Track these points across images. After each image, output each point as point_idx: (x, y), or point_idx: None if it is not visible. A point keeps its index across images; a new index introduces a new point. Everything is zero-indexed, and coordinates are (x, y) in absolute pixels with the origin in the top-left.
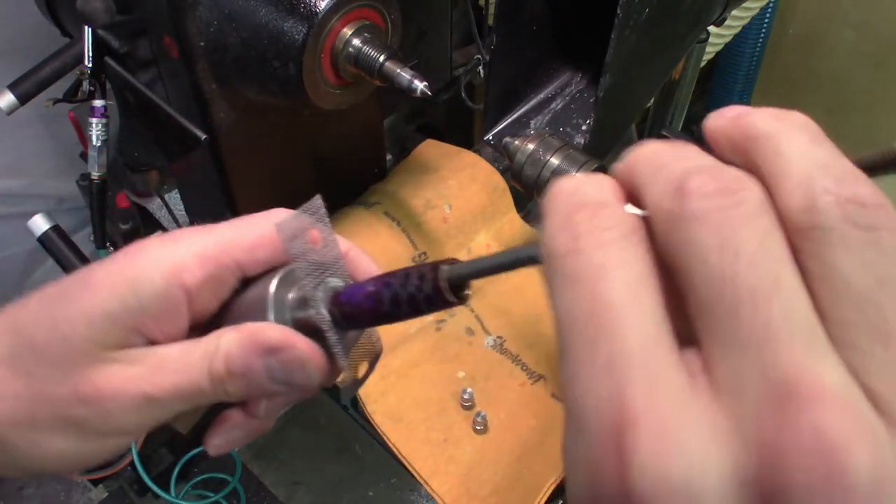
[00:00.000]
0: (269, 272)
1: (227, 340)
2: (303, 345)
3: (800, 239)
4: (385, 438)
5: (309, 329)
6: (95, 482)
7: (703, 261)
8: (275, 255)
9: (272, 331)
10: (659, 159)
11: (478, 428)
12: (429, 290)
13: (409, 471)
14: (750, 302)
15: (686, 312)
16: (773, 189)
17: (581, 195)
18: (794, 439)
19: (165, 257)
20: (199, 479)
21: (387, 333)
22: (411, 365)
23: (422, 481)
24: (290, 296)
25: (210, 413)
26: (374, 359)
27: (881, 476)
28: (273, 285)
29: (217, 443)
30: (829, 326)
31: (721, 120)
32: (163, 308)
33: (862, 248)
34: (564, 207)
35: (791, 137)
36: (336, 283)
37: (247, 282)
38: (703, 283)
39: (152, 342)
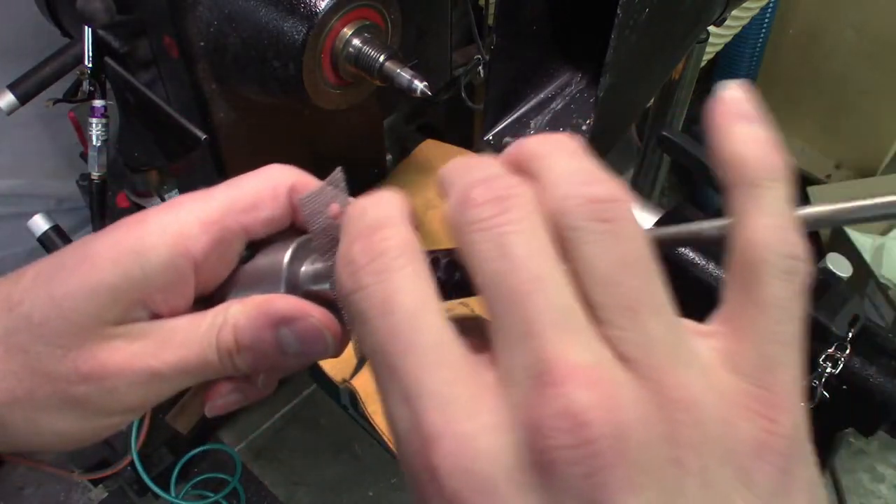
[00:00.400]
0: (277, 241)
1: (235, 312)
2: (318, 313)
3: (561, 239)
4: (385, 438)
5: (322, 303)
6: (95, 482)
7: (480, 264)
8: (276, 212)
9: (282, 301)
10: (457, 172)
11: None
12: (463, 278)
13: None
14: (516, 299)
15: None
16: (540, 198)
17: (364, 219)
18: (548, 413)
19: (169, 225)
20: (199, 479)
21: None
22: None
23: None
24: (304, 268)
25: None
26: None
27: (620, 423)
28: (287, 256)
29: (216, 404)
30: (593, 310)
31: (511, 148)
32: (169, 279)
33: (602, 238)
34: (348, 238)
35: (552, 154)
36: None
37: (251, 245)
38: (483, 283)
39: (156, 316)
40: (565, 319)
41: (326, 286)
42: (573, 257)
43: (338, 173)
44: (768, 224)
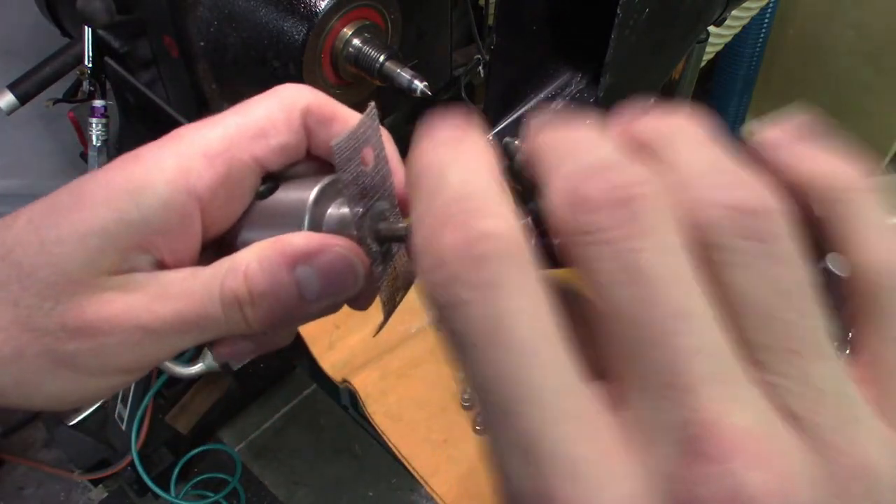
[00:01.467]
0: (295, 177)
1: (245, 255)
2: (344, 243)
3: (703, 256)
4: (385, 438)
5: None
6: (95, 482)
7: (604, 288)
8: (290, 138)
9: (300, 237)
10: (559, 148)
11: (478, 428)
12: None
13: (409, 471)
14: (657, 339)
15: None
16: (672, 195)
17: (449, 188)
18: (710, 495)
19: (168, 160)
20: (199, 479)
21: (387, 333)
22: (411, 365)
23: (422, 481)
24: (331, 210)
25: (209, 413)
26: (407, 287)
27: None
28: (312, 195)
29: (224, 351)
30: (746, 349)
31: (622, 118)
32: (170, 221)
33: (758, 262)
34: (429, 216)
35: (680, 139)
36: (384, 206)
37: (267, 180)
38: (608, 312)
39: (161, 265)
40: (720, 368)
41: (354, 232)
42: (721, 282)
43: (372, 109)
44: (881, 242)
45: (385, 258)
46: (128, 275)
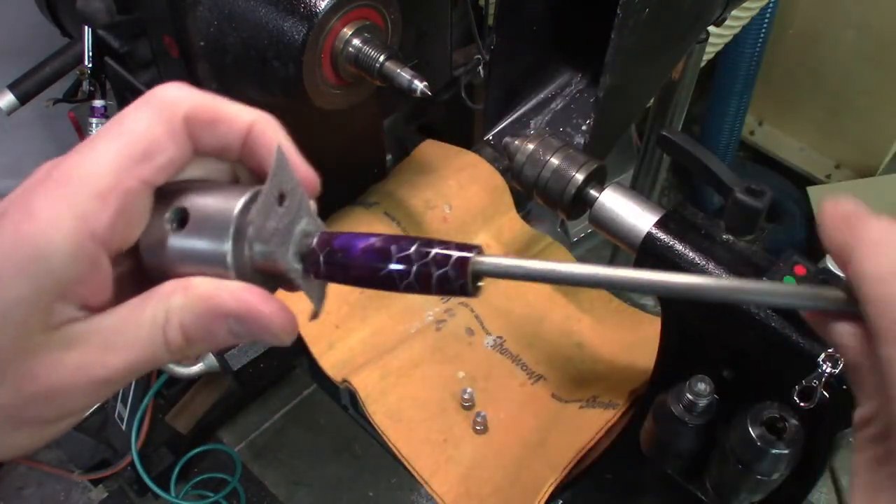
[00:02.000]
0: (197, 197)
1: (178, 306)
2: (266, 306)
3: None
4: (385, 438)
5: (274, 273)
6: (95, 482)
7: None
8: (177, 152)
9: (226, 296)
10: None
11: (478, 428)
12: (452, 275)
13: (409, 471)
14: None
15: None
16: None
17: None
18: None
19: (63, 212)
20: (199, 479)
21: (387, 333)
22: (411, 365)
23: (422, 481)
24: (251, 231)
25: (209, 413)
26: (324, 286)
27: None
28: (230, 239)
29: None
30: None
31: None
32: (81, 269)
33: None
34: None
35: None
36: (303, 225)
37: (161, 193)
38: None
39: (83, 305)
40: None
41: (278, 262)
42: None
43: (278, 153)
44: None
45: (314, 272)
46: (66, 327)
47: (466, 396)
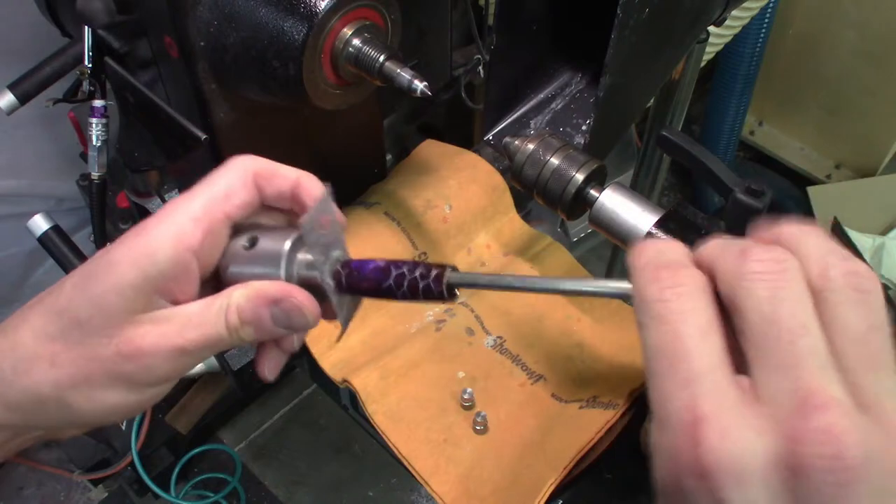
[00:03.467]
0: (267, 229)
1: (237, 296)
2: (299, 294)
3: (818, 298)
4: (385, 438)
5: (312, 287)
6: (95, 482)
7: (757, 305)
8: (247, 197)
9: (272, 286)
10: (724, 243)
11: (478, 428)
12: (433, 286)
13: (409, 471)
14: (787, 339)
15: (738, 348)
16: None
17: (664, 257)
18: (811, 429)
19: (168, 228)
20: (199, 479)
21: (387, 334)
22: (411, 365)
23: (422, 481)
24: (300, 256)
25: (209, 413)
26: (356, 309)
27: (871, 451)
28: (286, 249)
29: (270, 367)
30: (838, 357)
31: (765, 231)
32: (177, 271)
33: (857, 304)
34: (653, 265)
35: (806, 237)
36: (339, 254)
37: (237, 230)
38: (756, 321)
39: (174, 301)
40: (824, 363)
41: (315, 274)
42: (829, 314)
43: (325, 195)
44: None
45: (339, 288)
46: (155, 312)
47: (466, 396)
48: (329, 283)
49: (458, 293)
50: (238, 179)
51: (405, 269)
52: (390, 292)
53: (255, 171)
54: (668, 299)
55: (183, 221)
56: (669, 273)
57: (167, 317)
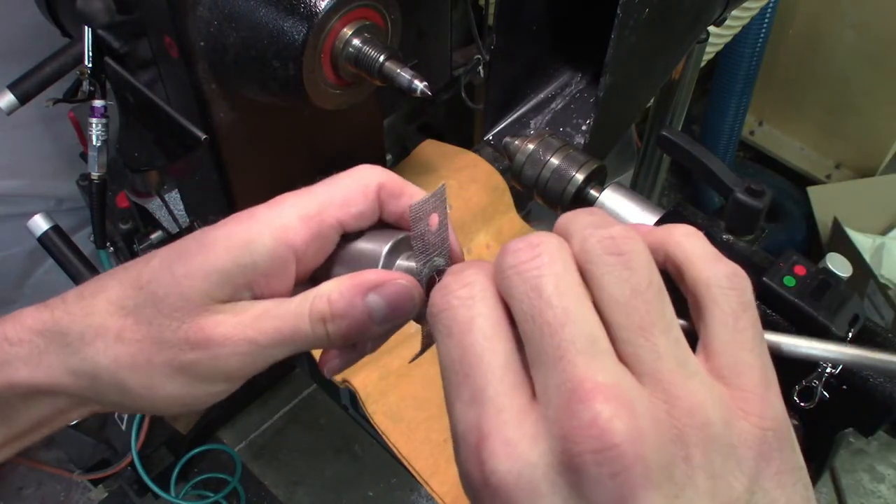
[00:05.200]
0: (369, 232)
1: (328, 286)
2: (406, 279)
3: (583, 273)
4: (385, 438)
5: None
6: (95, 482)
7: (518, 303)
8: (366, 207)
9: (372, 273)
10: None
11: None
12: None
13: (409, 471)
14: (548, 331)
15: None
16: (568, 245)
17: (462, 270)
18: (578, 426)
19: (273, 220)
20: (199, 479)
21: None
22: (411, 365)
23: (422, 481)
24: (399, 261)
25: (209, 413)
26: None
27: (637, 430)
28: (387, 247)
29: (332, 366)
30: (612, 331)
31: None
32: (273, 266)
33: (617, 269)
34: (445, 277)
35: (574, 216)
36: (440, 262)
37: (345, 237)
38: (521, 318)
39: (259, 298)
40: (590, 346)
41: (415, 278)
42: (594, 286)
43: (442, 188)
44: (704, 266)
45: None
46: (234, 303)
47: None
48: (423, 292)
49: None
50: (359, 188)
51: None
52: None
53: (381, 183)
54: (453, 306)
55: (290, 216)
56: (454, 278)
57: (245, 308)
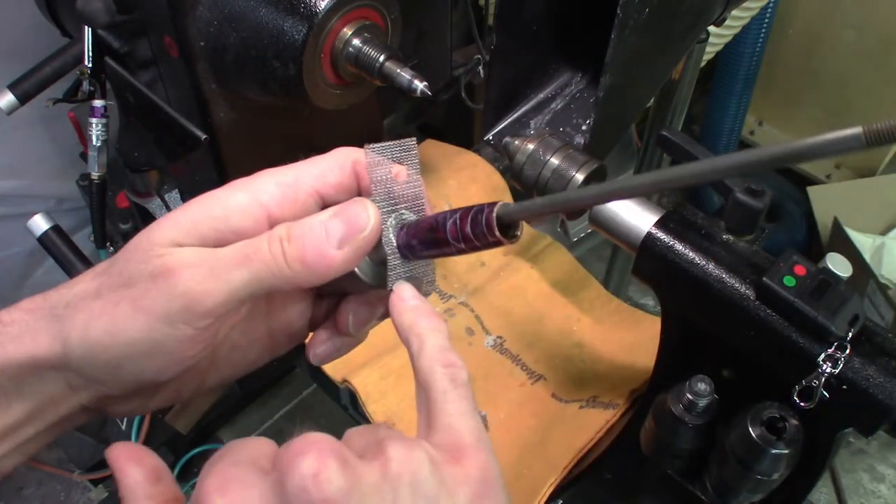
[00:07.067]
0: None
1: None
2: (359, 200)
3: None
4: None
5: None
6: (95, 482)
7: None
8: (343, 179)
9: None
10: None
11: None
12: (482, 223)
13: None
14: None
15: None
16: None
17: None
18: (293, 484)
19: (248, 183)
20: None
21: (387, 333)
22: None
23: None
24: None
25: (209, 413)
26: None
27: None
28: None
29: (318, 352)
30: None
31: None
32: (244, 221)
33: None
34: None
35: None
36: (410, 216)
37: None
38: None
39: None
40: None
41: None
42: None
43: (411, 141)
44: (430, 363)
45: (399, 249)
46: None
47: None
48: (390, 239)
49: (519, 232)
50: (335, 163)
51: (457, 218)
52: (445, 244)
53: (357, 158)
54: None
55: (266, 181)
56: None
57: (212, 250)
